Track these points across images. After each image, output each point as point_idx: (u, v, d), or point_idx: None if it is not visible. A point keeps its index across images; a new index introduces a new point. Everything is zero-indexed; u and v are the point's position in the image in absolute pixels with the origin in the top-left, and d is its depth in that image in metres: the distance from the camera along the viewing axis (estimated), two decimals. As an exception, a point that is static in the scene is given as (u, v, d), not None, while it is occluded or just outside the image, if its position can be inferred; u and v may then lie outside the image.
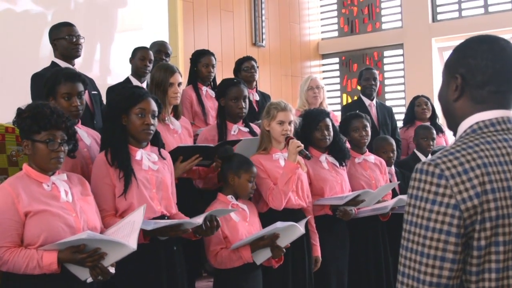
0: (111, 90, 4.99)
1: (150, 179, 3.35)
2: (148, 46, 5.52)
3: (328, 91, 6.45)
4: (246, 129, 4.40)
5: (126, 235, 2.84)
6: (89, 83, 4.48)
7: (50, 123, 2.85)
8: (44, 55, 5.86)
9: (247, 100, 4.33)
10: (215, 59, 5.45)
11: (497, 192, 1.54)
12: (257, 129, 4.51)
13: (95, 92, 4.60)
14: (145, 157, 3.37)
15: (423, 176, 1.58)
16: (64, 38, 4.43)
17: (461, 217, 1.51)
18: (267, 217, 3.93)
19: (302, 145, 3.94)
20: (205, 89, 5.27)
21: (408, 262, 1.57)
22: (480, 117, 1.69)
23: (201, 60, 5.37)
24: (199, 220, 3.23)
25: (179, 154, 3.78)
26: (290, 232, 3.67)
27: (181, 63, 7.36)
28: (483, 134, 1.64)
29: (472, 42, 1.74)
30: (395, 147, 5.22)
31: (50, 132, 2.86)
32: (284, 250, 3.68)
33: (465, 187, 1.53)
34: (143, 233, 3.14)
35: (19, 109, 2.96)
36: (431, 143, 5.57)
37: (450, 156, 1.58)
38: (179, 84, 4.06)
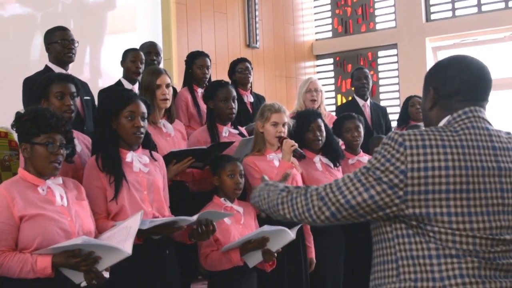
0: (102, 92, 4.97)
1: (141, 182, 3.35)
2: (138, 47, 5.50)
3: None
4: (236, 131, 4.41)
5: (122, 240, 2.84)
6: (81, 88, 4.47)
7: (50, 126, 2.86)
8: (35, 58, 5.85)
9: (236, 101, 4.33)
10: (210, 60, 5.44)
11: (451, 170, 1.79)
12: (245, 132, 4.54)
13: (88, 98, 4.57)
14: (135, 159, 3.37)
15: (389, 141, 1.88)
16: (57, 42, 4.40)
17: (403, 181, 1.81)
18: (263, 218, 3.93)
19: (296, 144, 3.95)
20: (200, 91, 5.23)
21: (346, 178, 1.92)
22: (456, 114, 1.95)
23: (195, 61, 5.36)
24: (193, 217, 3.25)
25: (172, 159, 3.78)
26: (280, 236, 3.67)
27: (175, 65, 7.35)
28: (455, 124, 1.91)
29: (445, 59, 2.06)
30: (390, 146, 5.20)
31: (49, 135, 2.86)
32: (275, 254, 3.68)
33: (418, 159, 1.81)
34: (137, 233, 3.14)
35: (18, 113, 2.98)
36: None
37: (416, 131, 1.86)
38: (167, 85, 4.04)
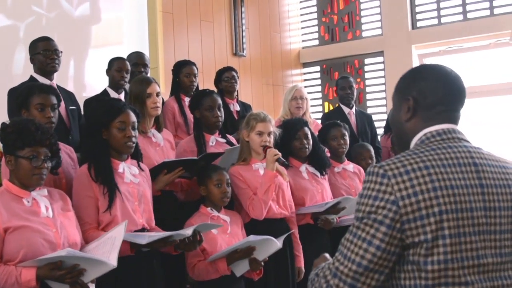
0: (88, 102, 4.95)
1: (132, 192, 3.37)
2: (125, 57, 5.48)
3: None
4: (223, 140, 4.41)
5: (107, 251, 2.83)
6: (67, 97, 4.45)
7: (34, 140, 2.85)
8: (18, 71, 5.79)
9: (222, 109, 4.33)
10: (197, 68, 5.44)
11: (438, 190, 1.73)
12: (233, 140, 4.53)
13: (74, 108, 4.55)
14: (127, 170, 3.38)
15: (370, 176, 1.81)
16: (40, 52, 4.38)
17: (397, 212, 1.73)
18: (250, 227, 3.94)
19: (280, 153, 3.95)
20: (187, 100, 5.21)
21: (346, 242, 1.80)
22: (428, 130, 1.91)
23: (182, 70, 5.35)
24: (188, 231, 3.24)
25: (164, 169, 3.78)
26: (267, 245, 3.67)
27: (162, 74, 7.32)
28: (430, 144, 1.87)
29: (421, 68, 2.01)
30: (373, 153, 5.23)
31: (34, 149, 2.85)
32: (262, 263, 3.69)
33: (405, 185, 1.74)
34: (130, 245, 3.14)
35: (3, 124, 2.97)
36: None
37: (395, 160, 1.81)
38: (157, 94, 4.05)
